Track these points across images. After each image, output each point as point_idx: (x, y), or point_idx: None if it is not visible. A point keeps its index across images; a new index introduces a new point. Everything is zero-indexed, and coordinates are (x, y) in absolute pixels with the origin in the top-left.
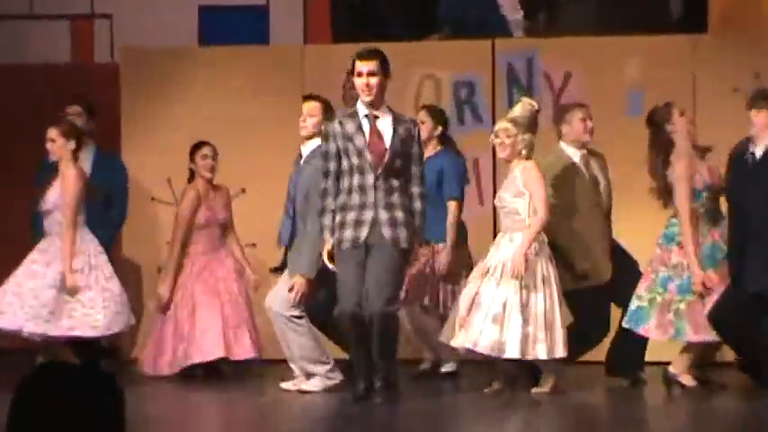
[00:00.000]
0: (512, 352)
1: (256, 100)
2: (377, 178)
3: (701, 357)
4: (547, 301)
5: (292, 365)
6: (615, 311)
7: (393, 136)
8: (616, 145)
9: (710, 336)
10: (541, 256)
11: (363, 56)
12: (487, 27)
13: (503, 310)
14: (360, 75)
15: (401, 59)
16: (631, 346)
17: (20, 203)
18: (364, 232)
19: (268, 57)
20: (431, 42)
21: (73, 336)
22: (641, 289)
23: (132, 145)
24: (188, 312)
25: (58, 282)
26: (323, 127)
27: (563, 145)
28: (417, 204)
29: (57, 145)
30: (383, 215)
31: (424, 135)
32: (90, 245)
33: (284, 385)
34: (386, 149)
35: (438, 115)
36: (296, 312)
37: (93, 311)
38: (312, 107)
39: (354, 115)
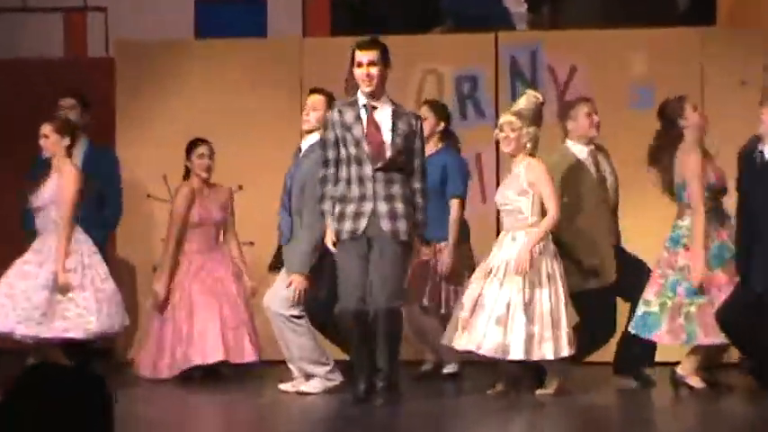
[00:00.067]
0: (516, 353)
1: (254, 94)
2: (375, 169)
3: (709, 359)
4: (552, 300)
5: (291, 366)
6: (622, 308)
7: (392, 129)
8: (621, 140)
9: (720, 338)
10: (546, 254)
11: (363, 45)
12: (490, 20)
13: (506, 311)
14: (360, 65)
15: (402, 53)
16: (640, 345)
17: (13, 199)
18: (363, 224)
19: (266, 50)
20: (433, 36)
21: (66, 337)
22: (650, 294)
23: (127, 141)
24: (186, 314)
25: (51, 282)
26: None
27: (569, 143)
28: (419, 199)
29: (50, 141)
30: (382, 207)
31: (426, 131)
32: (83, 245)
33: (283, 387)
34: (383, 142)
35: (440, 110)
36: (295, 312)
37: (87, 313)
38: (316, 101)
39: (354, 104)
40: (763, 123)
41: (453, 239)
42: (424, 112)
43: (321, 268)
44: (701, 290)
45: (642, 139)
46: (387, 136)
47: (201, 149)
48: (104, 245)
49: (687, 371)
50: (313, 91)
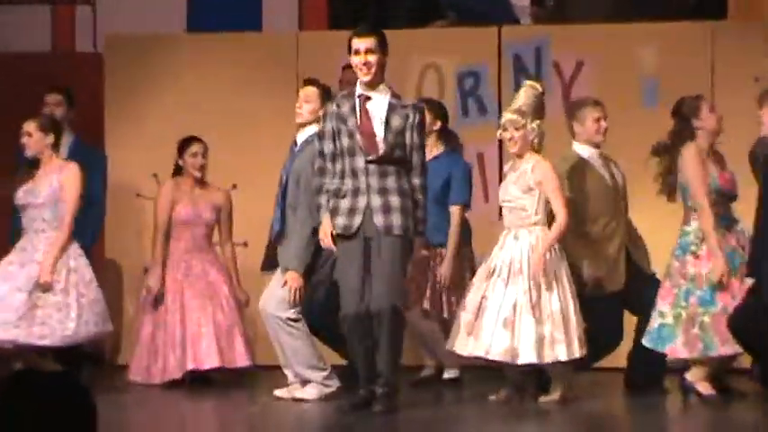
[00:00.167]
0: (526, 356)
1: (248, 90)
2: (368, 161)
3: (719, 366)
4: (561, 300)
5: (286, 371)
6: (629, 316)
7: (385, 122)
8: (630, 138)
9: (736, 348)
10: (552, 255)
11: (360, 32)
12: (493, 14)
13: (513, 313)
14: (357, 52)
15: (401, 47)
16: (652, 355)
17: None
18: (357, 221)
19: (261, 44)
20: (433, 29)
21: (41, 345)
22: (664, 305)
23: (116, 138)
24: (179, 318)
25: (30, 285)
26: (320, 112)
27: (576, 145)
28: (419, 196)
29: (33, 139)
30: (376, 201)
31: None
32: (71, 246)
33: (278, 392)
34: (374, 133)
35: (436, 109)
36: (292, 315)
37: (67, 319)
38: (309, 93)
39: (351, 95)
40: (764, 125)
41: (453, 250)
42: None
43: (315, 267)
44: (720, 285)
45: (650, 137)
46: (378, 129)
47: (195, 148)
48: (90, 247)
49: (696, 377)
50: (306, 82)
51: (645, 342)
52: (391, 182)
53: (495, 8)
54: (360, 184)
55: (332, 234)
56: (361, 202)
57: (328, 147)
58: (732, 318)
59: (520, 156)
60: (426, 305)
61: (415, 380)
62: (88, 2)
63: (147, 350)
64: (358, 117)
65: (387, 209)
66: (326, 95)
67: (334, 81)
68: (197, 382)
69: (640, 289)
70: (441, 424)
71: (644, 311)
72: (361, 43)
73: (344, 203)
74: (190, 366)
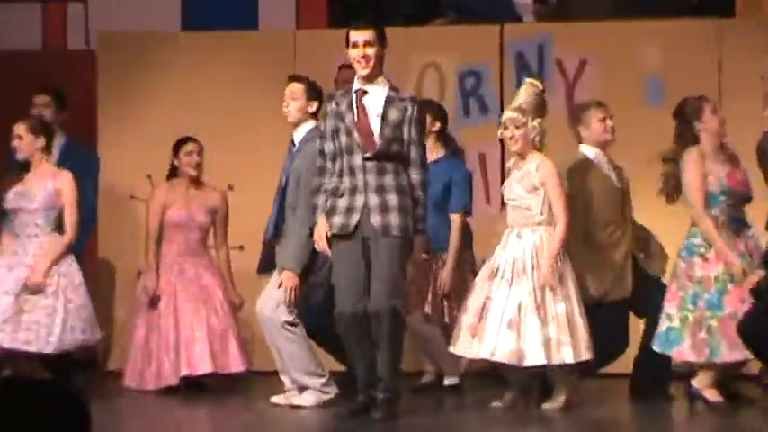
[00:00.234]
0: (534, 358)
1: (244, 89)
2: (365, 159)
3: (726, 372)
4: (566, 302)
5: (283, 377)
6: (636, 322)
7: (382, 116)
8: (635, 137)
9: (744, 354)
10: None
11: (358, 25)
12: (494, 14)
13: (517, 313)
14: (355, 45)
15: (401, 46)
16: (658, 361)
17: None
18: (354, 220)
19: (257, 42)
20: (434, 27)
21: (27, 351)
22: (671, 308)
23: (109, 138)
24: (172, 322)
25: (18, 288)
26: (309, 108)
27: (582, 147)
28: (419, 192)
29: (24, 142)
30: (373, 200)
31: None
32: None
33: (275, 399)
34: (371, 130)
35: (435, 110)
36: (289, 318)
37: (53, 325)
38: (294, 90)
39: (349, 92)
40: None
41: (453, 258)
42: None
43: (313, 267)
44: (741, 275)
45: (655, 137)
46: (375, 123)
47: (190, 146)
48: (80, 250)
49: (703, 384)
50: (291, 79)
51: (654, 346)
52: (389, 179)
53: (495, 8)
54: (357, 183)
55: (327, 237)
56: (359, 200)
57: (329, 146)
58: (742, 323)
59: (521, 154)
60: (428, 309)
61: (416, 386)
62: None
63: (142, 354)
64: (355, 114)
65: (384, 208)
66: (313, 90)
67: (331, 80)
68: (192, 388)
69: (647, 294)
70: (441, 431)
71: (651, 316)
72: (359, 36)
73: (342, 202)
74: (184, 372)
